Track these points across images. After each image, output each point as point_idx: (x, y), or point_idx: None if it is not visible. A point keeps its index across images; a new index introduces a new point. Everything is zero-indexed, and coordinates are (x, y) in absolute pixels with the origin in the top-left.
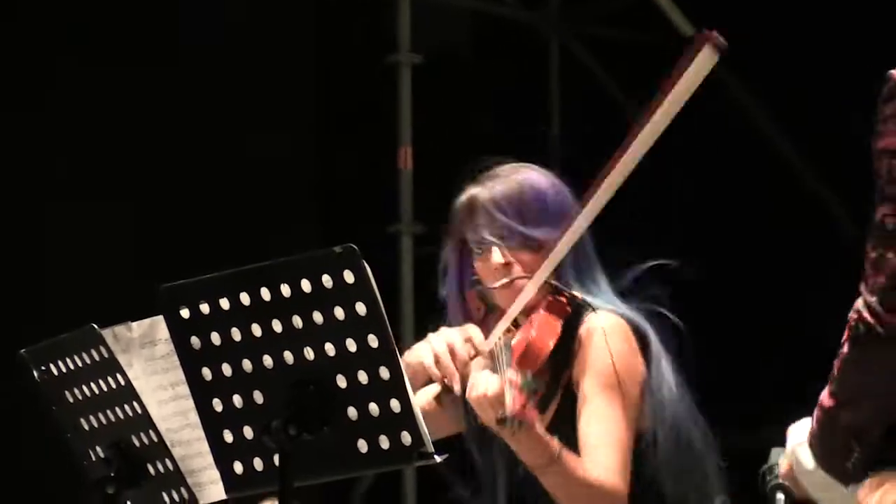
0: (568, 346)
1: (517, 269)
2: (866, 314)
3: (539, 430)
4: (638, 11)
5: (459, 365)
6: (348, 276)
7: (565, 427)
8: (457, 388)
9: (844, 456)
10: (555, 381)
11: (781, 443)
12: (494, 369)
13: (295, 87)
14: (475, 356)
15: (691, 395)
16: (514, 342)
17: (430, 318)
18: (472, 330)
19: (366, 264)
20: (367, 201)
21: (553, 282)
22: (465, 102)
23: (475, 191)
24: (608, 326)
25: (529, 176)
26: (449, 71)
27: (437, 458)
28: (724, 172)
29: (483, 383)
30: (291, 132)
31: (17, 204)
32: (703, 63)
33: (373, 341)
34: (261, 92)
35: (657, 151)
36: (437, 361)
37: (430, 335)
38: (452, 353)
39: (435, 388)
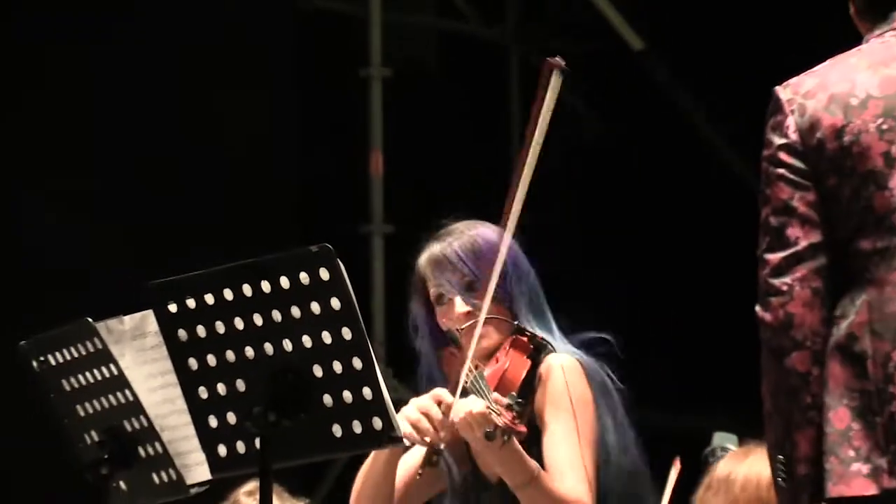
0: (530, 381)
1: (476, 315)
2: (758, 313)
3: (521, 451)
4: (590, 26)
5: (437, 424)
6: (324, 274)
7: (531, 453)
8: (441, 445)
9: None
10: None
11: (722, 428)
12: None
13: (277, 97)
14: (448, 411)
15: (623, 413)
16: (487, 373)
17: (400, 313)
18: (440, 391)
19: (340, 262)
20: (342, 204)
21: (516, 323)
22: (431, 113)
23: (436, 248)
24: (566, 365)
25: (481, 231)
26: (416, 83)
27: (406, 442)
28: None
29: (468, 404)
30: (272, 139)
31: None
32: (555, 85)
33: (346, 334)
34: (244, 101)
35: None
36: (417, 428)
37: (403, 408)
38: (427, 415)
39: (420, 454)
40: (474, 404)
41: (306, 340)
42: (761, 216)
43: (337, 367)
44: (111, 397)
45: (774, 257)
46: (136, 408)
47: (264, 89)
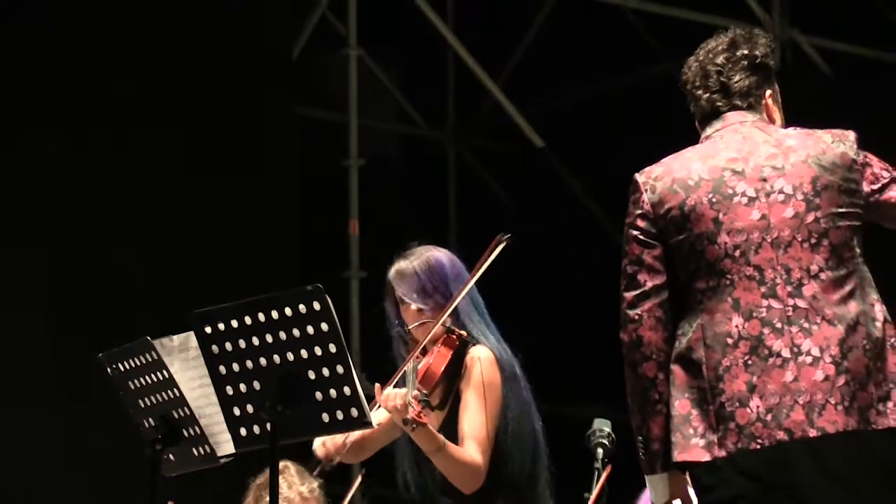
0: (458, 368)
1: (427, 315)
2: (621, 335)
3: (431, 429)
4: (505, 130)
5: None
6: (316, 305)
7: (454, 422)
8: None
9: None
10: (449, 390)
11: (601, 414)
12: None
13: (281, 180)
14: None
15: (530, 398)
16: (419, 366)
17: (371, 333)
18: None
19: (328, 297)
20: (329, 256)
21: (448, 325)
22: (393, 191)
23: (400, 265)
24: (482, 357)
25: (435, 254)
26: (382, 170)
27: (375, 426)
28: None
29: (393, 397)
30: (278, 209)
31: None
32: (496, 250)
33: (332, 348)
34: (253, 182)
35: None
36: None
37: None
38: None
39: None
40: (397, 398)
41: (303, 353)
42: (622, 265)
43: (325, 372)
44: (163, 394)
45: (629, 294)
46: (181, 401)
47: (272, 175)
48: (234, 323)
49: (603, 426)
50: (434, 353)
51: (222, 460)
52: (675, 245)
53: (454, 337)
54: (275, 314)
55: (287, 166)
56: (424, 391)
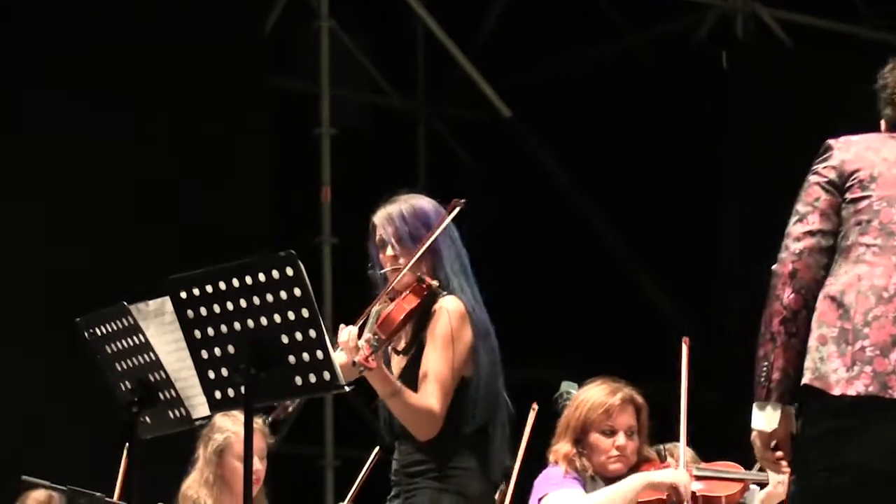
0: (425, 317)
1: (402, 261)
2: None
3: (383, 373)
4: (474, 100)
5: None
6: (289, 271)
7: (415, 369)
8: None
9: None
10: (415, 338)
11: (567, 378)
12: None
13: (254, 149)
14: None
15: (498, 356)
16: (382, 311)
17: (342, 298)
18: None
19: (300, 263)
20: (302, 222)
21: (419, 274)
22: (365, 158)
23: (384, 208)
24: (451, 308)
25: (420, 202)
26: (353, 139)
27: (346, 389)
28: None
29: (346, 337)
30: (255, 179)
31: None
32: (454, 212)
33: (304, 313)
34: (227, 151)
35: None
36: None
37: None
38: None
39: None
40: (350, 336)
41: (276, 318)
42: (795, 206)
43: (298, 336)
44: (140, 357)
45: (796, 230)
46: (157, 365)
47: (247, 143)
48: (209, 288)
49: (570, 389)
50: (400, 299)
51: (197, 422)
52: (854, 200)
53: (423, 286)
54: (248, 280)
55: (260, 136)
56: (379, 335)
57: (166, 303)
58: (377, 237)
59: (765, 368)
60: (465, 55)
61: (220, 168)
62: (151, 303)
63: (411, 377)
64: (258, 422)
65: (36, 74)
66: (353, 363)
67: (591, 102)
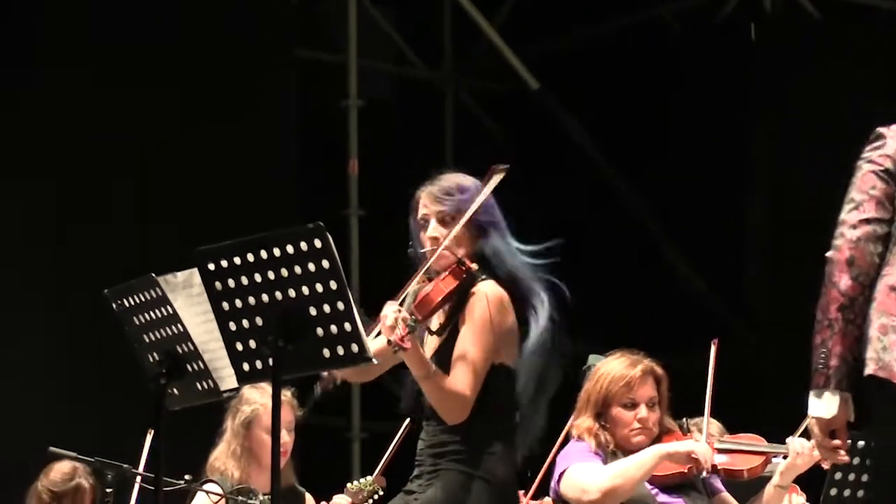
0: (462, 300)
1: (441, 242)
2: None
3: (418, 354)
4: (502, 71)
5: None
6: (317, 243)
7: (448, 352)
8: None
9: None
10: (450, 319)
11: (594, 351)
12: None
13: (282, 122)
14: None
15: (551, 345)
16: (420, 291)
17: (370, 270)
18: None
19: (329, 235)
20: (330, 195)
21: (460, 256)
22: (391, 132)
23: (428, 186)
24: (489, 293)
25: (462, 180)
26: (381, 110)
27: (375, 362)
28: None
29: (385, 316)
30: (280, 150)
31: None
32: (495, 180)
33: (332, 285)
34: (255, 123)
35: None
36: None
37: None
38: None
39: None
40: (388, 317)
41: (304, 290)
42: (848, 194)
43: (326, 308)
44: (167, 329)
45: (851, 217)
46: (185, 336)
47: (274, 118)
48: (237, 260)
49: (597, 362)
50: (438, 280)
51: (225, 394)
52: None
53: (462, 268)
54: (277, 251)
55: (287, 107)
56: (416, 316)
57: (194, 274)
58: (419, 215)
59: (823, 355)
60: (491, 25)
61: (247, 140)
62: (179, 274)
63: (444, 358)
64: (287, 394)
65: (59, 54)
66: (389, 342)
67: (618, 73)
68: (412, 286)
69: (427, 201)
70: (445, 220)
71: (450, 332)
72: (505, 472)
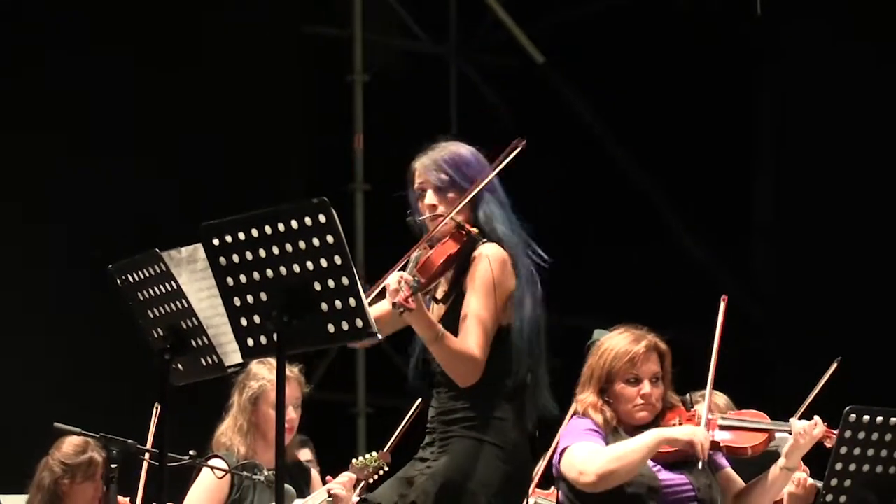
0: (465, 263)
1: (441, 209)
2: None
3: (425, 316)
4: (506, 45)
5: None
6: (321, 218)
7: (455, 315)
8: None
9: None
10: (455, 284)
11: (599, 326)
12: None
13: (288, 96)
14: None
15: (542, 306)
16: (421, 256)
17: (374, 245)
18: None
19: (333, 210)
20: (334, 169)
21: (458, 220)
22: (396, 106)
23: (424, 155)
24: (491, 254)
25: (458, 148)
26: (386, 85)
27: (380, 337)
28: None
29: (389, 279)
30: (285, 124)
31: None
32: (514, 152)
33: (337, 260)
34: (260, 98)
35: None
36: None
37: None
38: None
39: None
40: (392, 280)
41: (309, 265)
42: None
43: (330, 283)
44: (172, 304)
45: None
46: (189, 312)
47: (280, 91)
48: (242, 235)
49: (602, 336)
50: (439, 245)
51: (230, 370)
52: None
53: (462, 233)
54: (281, 227)
55: (293, 82)
56: (419, 278)
57: (198, 250)
58: (416, 184)
59: None
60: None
61: (252, 115)
62: (184, 250)
63: (452, 324)
64: (294, 371)
65: (66, 27)
66: (393, 305)
67: (623, 47)
68: (414, 253)
69: (424, 170)
70: (442, 188)
71: (455, 299)
72: (516, 438)
